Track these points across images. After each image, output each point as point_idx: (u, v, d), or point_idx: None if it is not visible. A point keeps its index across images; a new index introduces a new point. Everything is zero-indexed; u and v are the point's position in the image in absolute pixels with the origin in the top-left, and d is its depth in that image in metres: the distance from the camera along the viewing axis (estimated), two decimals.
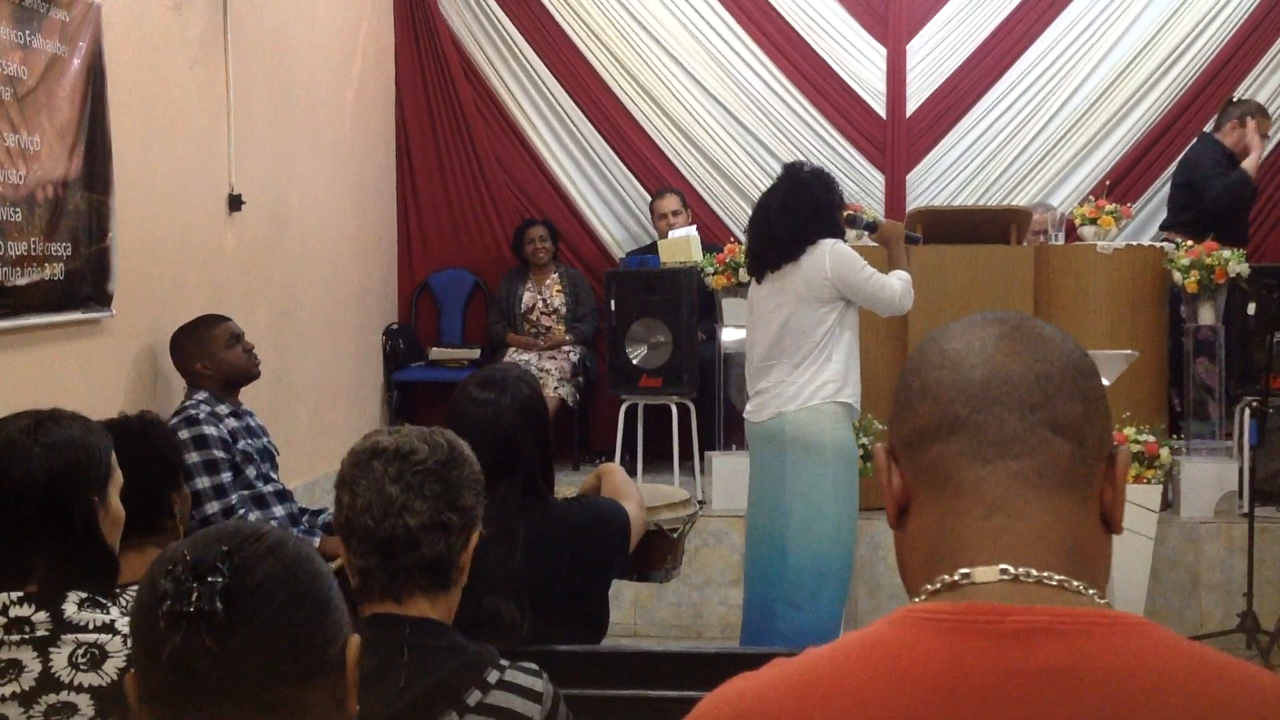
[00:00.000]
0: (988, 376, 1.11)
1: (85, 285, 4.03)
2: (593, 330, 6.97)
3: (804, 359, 4.32)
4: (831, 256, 4.27)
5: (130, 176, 4.26)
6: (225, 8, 5.00)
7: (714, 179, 7.36)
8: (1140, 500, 5.24)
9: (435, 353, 7.17)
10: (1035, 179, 7.25)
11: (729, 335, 6.10)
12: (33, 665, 1.93)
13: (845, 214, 4.54)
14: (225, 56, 5.02)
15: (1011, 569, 1.06)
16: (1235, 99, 6.60)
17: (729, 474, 5.85)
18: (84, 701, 1.91)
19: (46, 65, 3.83)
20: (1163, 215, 6.74)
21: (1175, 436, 5.84)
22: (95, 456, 2.12)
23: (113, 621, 1.98)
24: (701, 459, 6.21)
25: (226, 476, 3.98)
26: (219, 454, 3.98)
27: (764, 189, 4.93)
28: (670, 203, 6.96)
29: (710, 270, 6.07)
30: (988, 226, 5.96)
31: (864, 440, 5.13)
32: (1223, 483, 5.72)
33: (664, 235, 6.74)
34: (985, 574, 1.07)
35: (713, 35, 7.32)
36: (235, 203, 5.05)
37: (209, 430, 4.00)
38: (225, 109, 5.03)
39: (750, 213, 4.67)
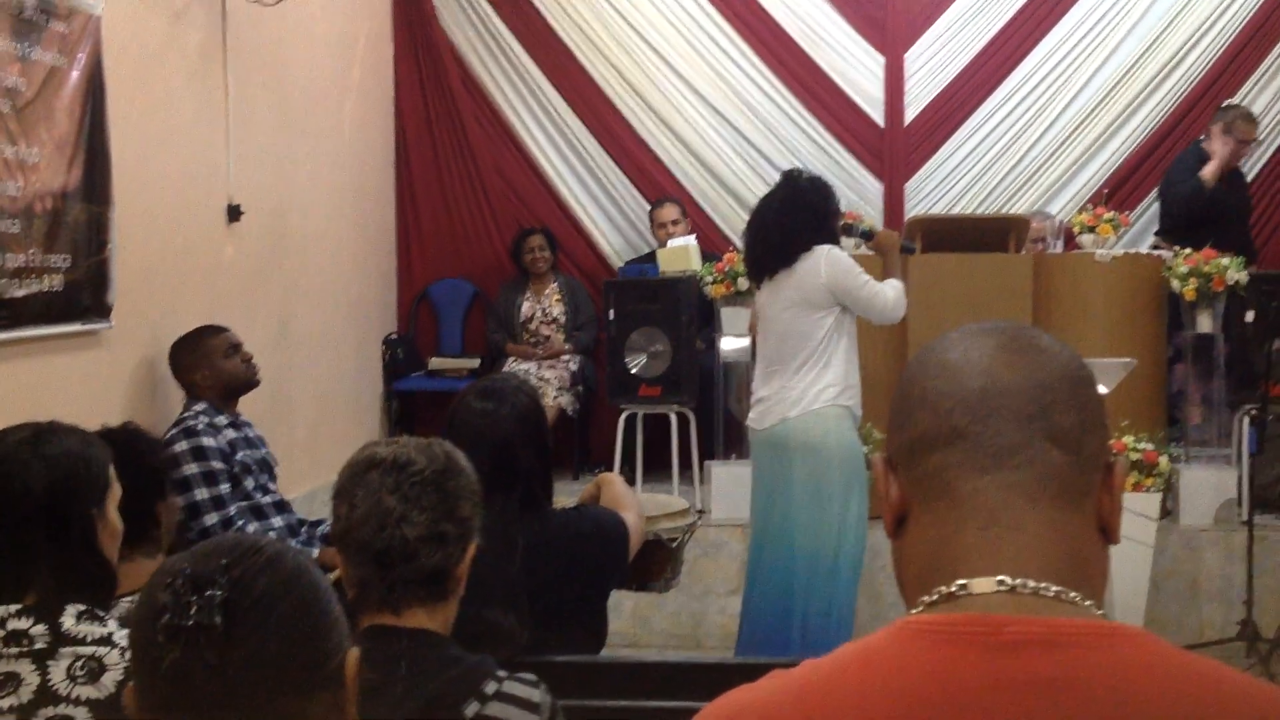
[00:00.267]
0: (986, 386, 1.11)
1: (84, 297, 4.04)
2: (592, 339, 6.97)
3: (803, 364, 4.34)
4: (827, 262, 4.30)
5: (129, 188, 4.27)
6: (224, 19, 5.01)
7: (712, 188, 7.36)
8: (1140, 508, 5.24)
9: (434, 362, 7.17)
10: (1033, 187, 7.26)
11: (728, 344, 6.10)
12: (31, 678, 1.92)
13: (841, 222, 4.56)
14: (224, 68, 5.03)
15: (1009, 580, 1.06)
16: (1225, 105, 6.61)
17: (729, 483, 5.85)
18: (82, 715, 1.91)
19: (45, 77, 3.83)
20: None
21: (1174, 444, 5.84)
22: (94, 469, 2.12)
23: (110, 634, 1.98)
24: (701, 468, 6.20)
25: (225, 488, 3.98)
26: (217, 465, 3.98)
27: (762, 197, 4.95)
28: (669, 212, 6.97)
29: (709, 279, 6.08)
30: (986, 235, 5.96)
31: (864, 448, 5.13)
32: (1222, 490, 5.72)
33: (663, 244, 6.74)
34: (982, 585, 1.07)
35: (711, 44, 7.32)
36: (234, 213, 5.05)
37: (207, 441, 4.00)
38: (224, 120, 5.03)
39: (748, 219, 4.68)
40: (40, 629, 1.96)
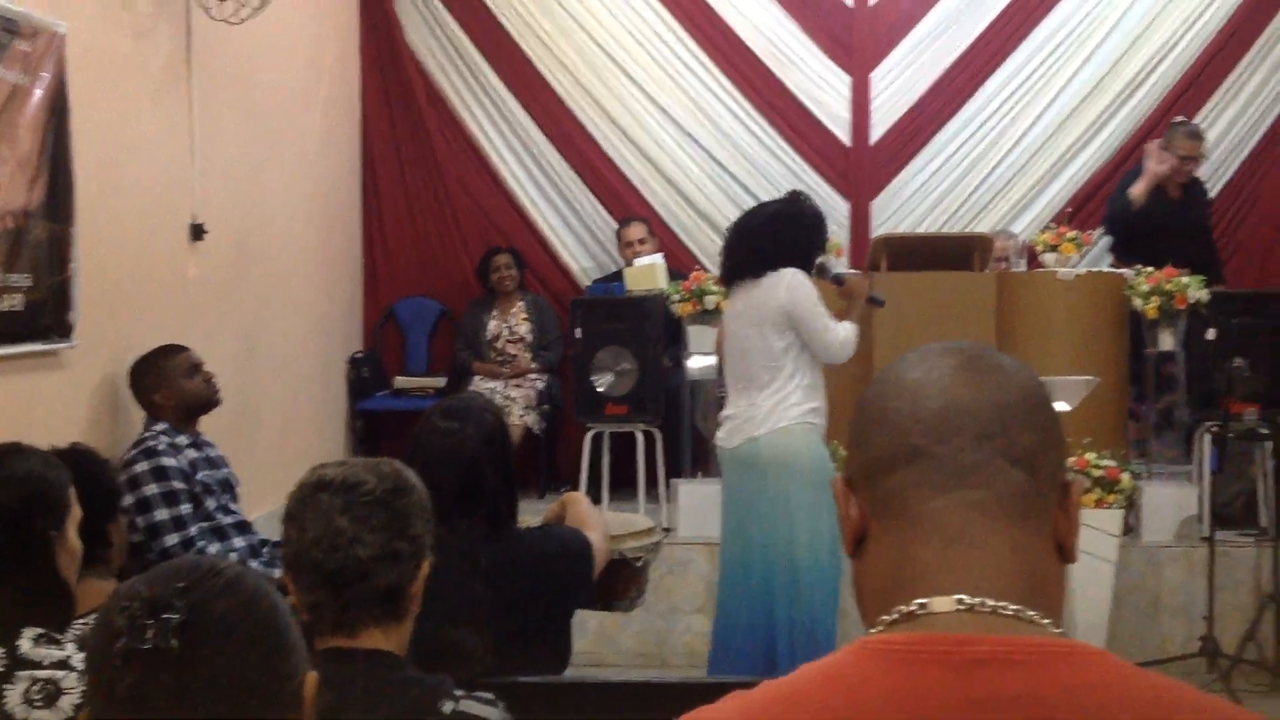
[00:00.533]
0: (945, 406, 1.12)
1: (46, 316, 4.00)
2: (559, 358, 6.96)
3: (769, 382, 4.36)
4: (788, 286, 4.33)
5: (92, 206, 4.24)
6: (189, 36, 4.99)
7: (680, 207, 7.38)
8: (1102, 525, 5.27)
9: (400, 381, 7.15)
10: (997, 206, 7.31)
11: (695, 362, 6.11)
12: None
13: (820, 259, 4.59)
14: (189, 85, 5.01)
15: (967, 599, 1.07)
16: (1174, 122, 6.69)
17: (695, 501, 5.85)
18: None
19: (8, 96, 3.81)
20: None
21: (1136, 460, 5.88)
22: (55, 491, 2.11)
23: (68, 658, 1.96)
24: (668, 486, 6.20)
25: (186, 508, 3.95)
26: (178, 485, 3.95)
27: (730, 217, 4.97)
28: (636, 230, 6.98)
29: (676, 297, 6.09)
30: (951, 253, 6.00)
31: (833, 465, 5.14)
32: (1184, 507, 5.77)
33: (630, 263, 6.75)
34: (942, 604, 1.07)
35: (678, 63, 7.35)
36: (198, 232, 5.02)
37: (168, 462, 3.97)
38: (189, 138, 5.01)
39: (736, 220, 4.70)
40: None
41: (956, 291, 5.81)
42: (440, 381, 7.03)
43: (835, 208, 7.32)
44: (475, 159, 7.42)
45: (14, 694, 1.91)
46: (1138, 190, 6.41)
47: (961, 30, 7.30)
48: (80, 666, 1.91)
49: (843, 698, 1.04)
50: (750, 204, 7.20)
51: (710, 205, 7.32)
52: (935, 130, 7.32)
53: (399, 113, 7.34)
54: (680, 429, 6.29)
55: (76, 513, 2.16)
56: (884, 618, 1.09)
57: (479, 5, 7.33)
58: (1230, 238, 7.08)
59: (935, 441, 1.11)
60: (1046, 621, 1.07)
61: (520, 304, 7.08)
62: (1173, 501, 5.77)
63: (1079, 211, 7.00)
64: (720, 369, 4.83)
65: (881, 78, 7.35)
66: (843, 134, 7.36)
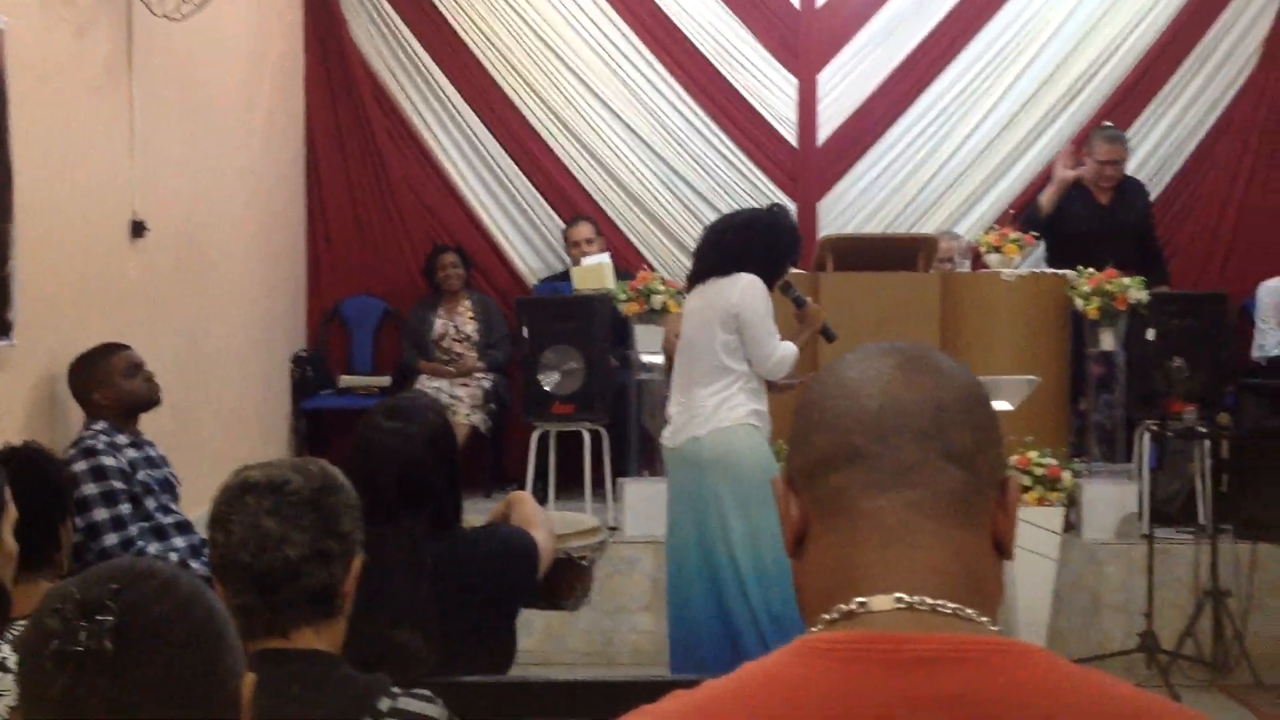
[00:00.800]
0: (884, 406, 1.13)
1: None
2: (505, 357, 6.94)
3: (711, 382, 4.38)
4: (743, 286, 4.34)
5: (31, 203, 4.17)
6: (130, 32, 4.93)
7: (627, 205, 7.38)
8: (1043, 522, 5.33)
9: (345, 380, 7.09)
10: (942, 207, 7.37)
11: (642, 361, 6.12)
12: None
13: (784, 279, 4.59)
14: (130, 82, 4.95)
15: (906, 598, 1.07)
16: (1099, 126, 6.78)
17: (641, 500, 5.85)
18: None
19: None
20: None
21: (1077, 459, 5.95)
22: None
23: (5, 659, 1.93)
24: (614, 485, 6.20)
25: (125, 508, 3.90)
26: (118, 485, 3.90)
27: (677, 217, 4.99)
28: (584, 230, 6.97)
29: (623, 297, 6.09)
30: (896, 254, 6.04)
31: (778, 464, 5.17)
32: (1123, 505, 5.84)
33: (577, 262, 6.75)
34: (881, 603, 1.08)
35: (625, 63, 7.35)
36: (138, 229, 4.96)
37: (107, 461, 3.92)
38: (129, 135, 4.94)
39: (713, 221, 4.72)
40: None
41: (901, 292, 5.85)
42: (385, 380, 6.98)
43: None
44: (421, 157, 7.38)
45: None
46: (1045, 197, 6.54)
47: (907, 34, 7.35)
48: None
49: (783, 696, 1.05)
50: (697, 205, 7.29)
51: (658, 205, 7.33)
52: (881, 132, 7.37)
53: (344, 110, 7.28)
54: (627, 428, 6.29)
55: (12, 513, 2.13)
56: (824, 616, 1.09)
57: (425, 2, 7.29)
58: (1169, 241, 7.17)
59: (874, 441, 1.12)
60: (984, 619, 1.08)
61: (467, 303, 7.05)
62: (1113, 499, 5.84)
63: (1022, 213, 7.07)
64: (668, 368, 4.84)
65: (828, 80, 7.39)
66: (790, 135, 7.39)
